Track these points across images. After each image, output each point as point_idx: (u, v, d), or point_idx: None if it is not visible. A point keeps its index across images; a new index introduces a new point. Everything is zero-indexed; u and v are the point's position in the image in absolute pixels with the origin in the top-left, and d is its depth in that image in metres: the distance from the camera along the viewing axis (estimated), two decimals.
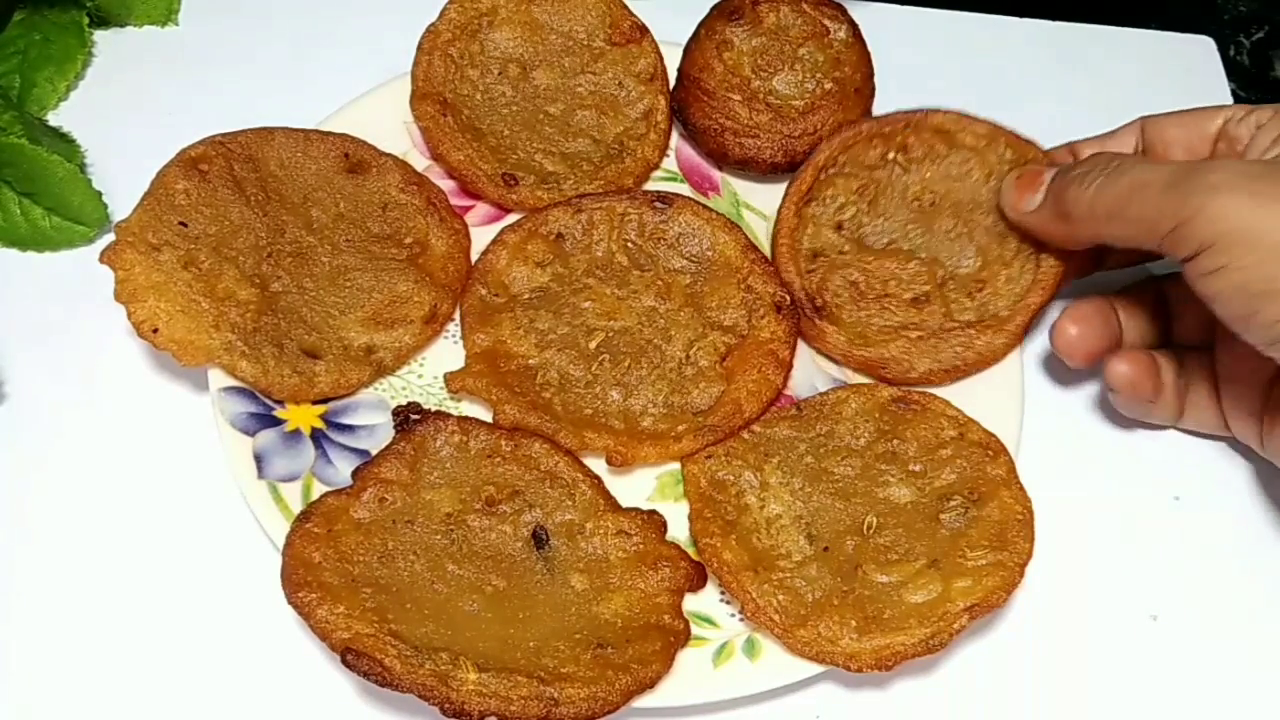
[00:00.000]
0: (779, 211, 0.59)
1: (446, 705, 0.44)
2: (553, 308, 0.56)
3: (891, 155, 0.59)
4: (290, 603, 0.46)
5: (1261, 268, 0.43)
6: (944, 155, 0.58)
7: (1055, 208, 0.52)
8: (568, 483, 0.51)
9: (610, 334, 0.56)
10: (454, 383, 0.54)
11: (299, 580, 0.46)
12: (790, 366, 0.56)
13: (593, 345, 0.55)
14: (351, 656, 0.45)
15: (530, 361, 0.55)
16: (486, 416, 0.53)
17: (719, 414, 0.54)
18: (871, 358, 0.56)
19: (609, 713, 0.46)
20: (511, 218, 0.60)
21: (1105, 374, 0.55)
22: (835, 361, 0.57)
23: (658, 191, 0.59)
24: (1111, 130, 0.57)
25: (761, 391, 0.54)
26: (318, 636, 0.45)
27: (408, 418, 0.52)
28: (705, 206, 0.58)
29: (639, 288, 0.57)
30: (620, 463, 0.52)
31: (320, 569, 0.47)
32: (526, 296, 0.57)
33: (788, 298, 0.56)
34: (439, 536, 0.50)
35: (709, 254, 0.58)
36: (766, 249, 0.59)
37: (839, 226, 0.59)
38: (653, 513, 0.51)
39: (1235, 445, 0.59)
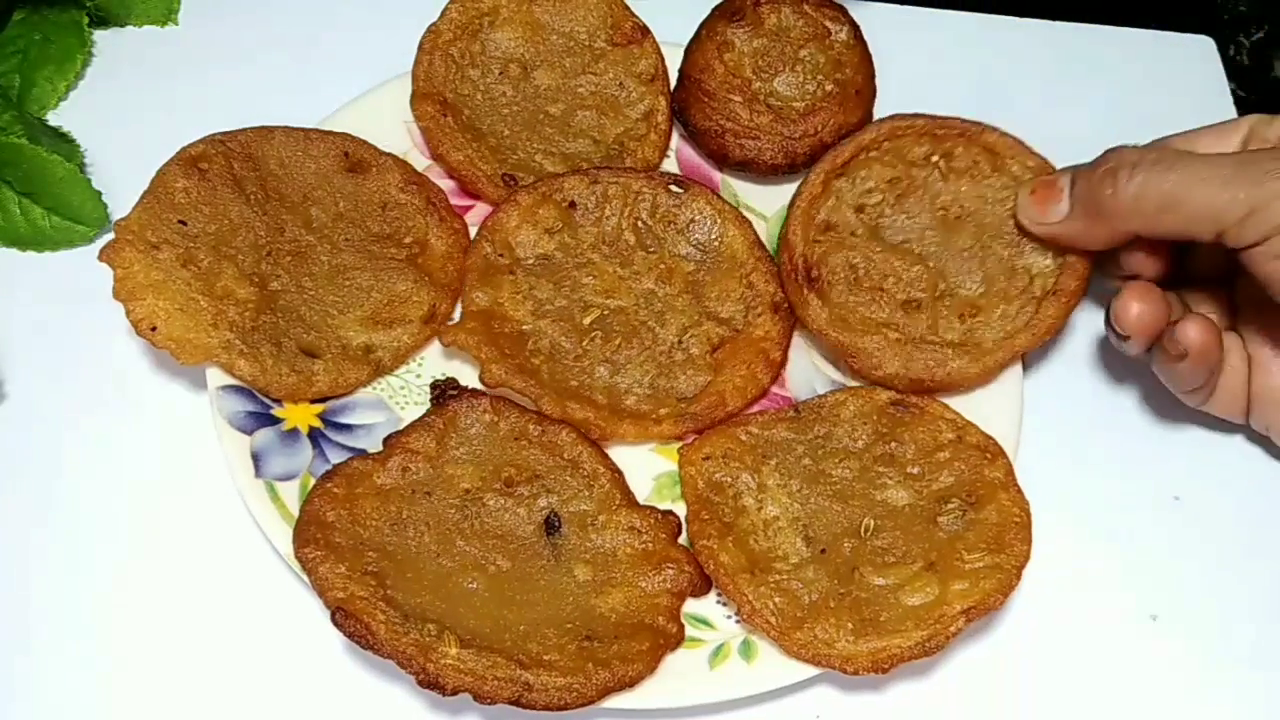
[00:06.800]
0: (806, 176, 0.58)
1: (422, 675, 0.45)
2: (554, 278, 0.56)
3: (935, 158, 0.57)
4: (296, 556, 0.47)
5: None
6: (986, 175, 0.57)
7: (1087, 209, 0.52)
8: (588, 473, 0.52)
9: (606, 312, 0.56)
10: (447, 336, 0.54)
11: (308, 536, 0.47)
12: (780, 368, 0.56)
13: (587, 321, 0.56)
14: (340, 616, 0.45)
15: (524, 327, 0.55)
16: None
17: (702, 403, 0.54)
18: (845, 342, 0.55)
19: (581, 706, 0.46)
20: None
21: (1175, 337, 0.52)
22: (808, 335, 0.57)
23: (675, 175, 0.59)
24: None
25: (747, 388, 0.54)
26: (315, 593, 0.46)
27: (444, 392, 0.53)
28: (720, 197, 0.58)
29: (641, 269, 0.57)
30: (598, 436, 0.53)
31: (332, 528, 0.48)
32: (530, 262, 0.57)
33: (786, 301, 0.56)
34: (453, 511, 0.50)
35: (716, 244, 0.58)
36: (768, 249, 0.59)
37: (860, 209, 0.57)
38: (669, 513, 0.51)
39: (1235, 445, 0.59)
